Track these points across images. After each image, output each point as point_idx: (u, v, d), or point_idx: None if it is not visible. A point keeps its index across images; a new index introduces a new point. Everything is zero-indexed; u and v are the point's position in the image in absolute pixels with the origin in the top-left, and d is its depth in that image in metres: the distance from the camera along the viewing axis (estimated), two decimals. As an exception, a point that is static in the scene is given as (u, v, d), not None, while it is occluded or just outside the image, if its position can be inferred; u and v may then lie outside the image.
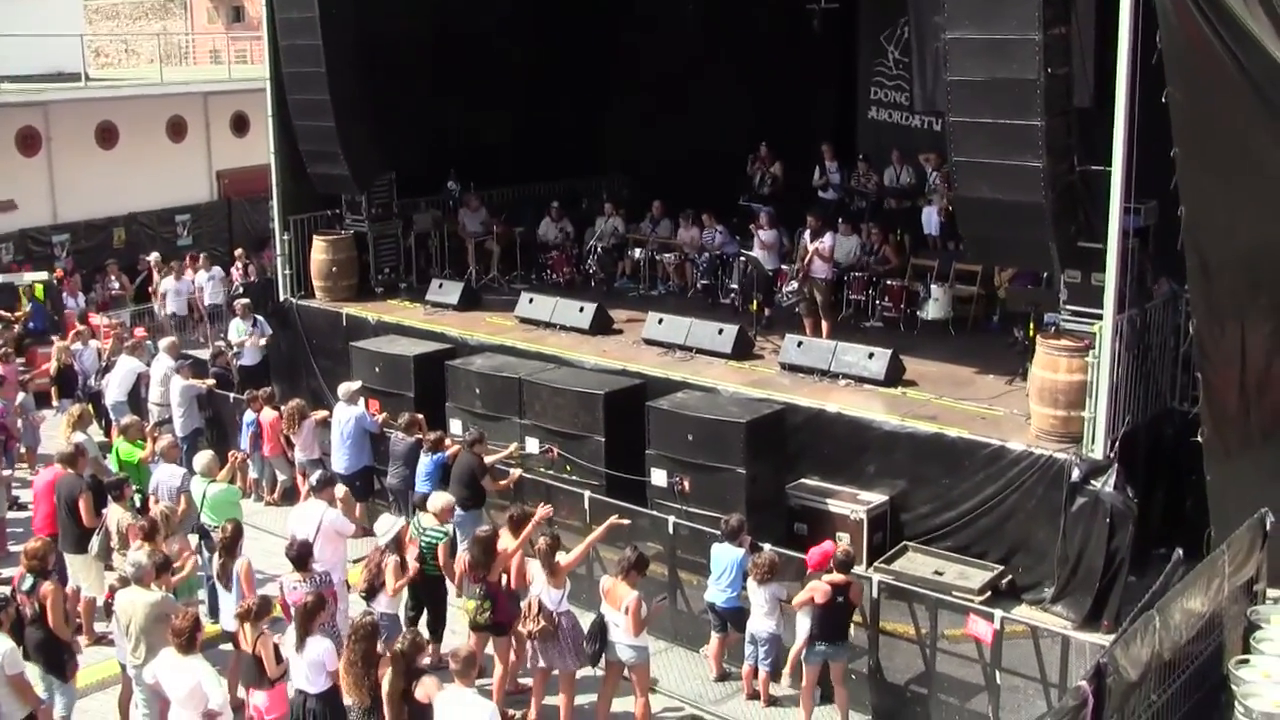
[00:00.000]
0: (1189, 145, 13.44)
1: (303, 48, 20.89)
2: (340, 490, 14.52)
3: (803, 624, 12.54)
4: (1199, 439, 14.12)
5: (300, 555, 12.41)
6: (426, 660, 10.95)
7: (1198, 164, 13.55)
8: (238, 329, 21.77)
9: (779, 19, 24.26)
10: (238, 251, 30.02)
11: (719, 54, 25.10)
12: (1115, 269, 14.06)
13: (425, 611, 13.68)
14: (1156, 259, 15.17)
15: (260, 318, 22.01)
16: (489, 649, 12.87)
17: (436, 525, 13.47)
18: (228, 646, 12.91)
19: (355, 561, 14.46)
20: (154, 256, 29.57)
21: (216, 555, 12.81)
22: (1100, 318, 14.33)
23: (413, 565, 13.04)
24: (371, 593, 12.74)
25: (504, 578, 12.87)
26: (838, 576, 12.39)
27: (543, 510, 13.64)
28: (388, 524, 13.17)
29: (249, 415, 18.35)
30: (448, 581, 13.62)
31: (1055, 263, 14.83)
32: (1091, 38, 15.86)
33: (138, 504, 15.00)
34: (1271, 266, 14.05)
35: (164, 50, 40.60)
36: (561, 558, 12.57)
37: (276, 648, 11.08)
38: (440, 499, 13.85)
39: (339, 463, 16.96)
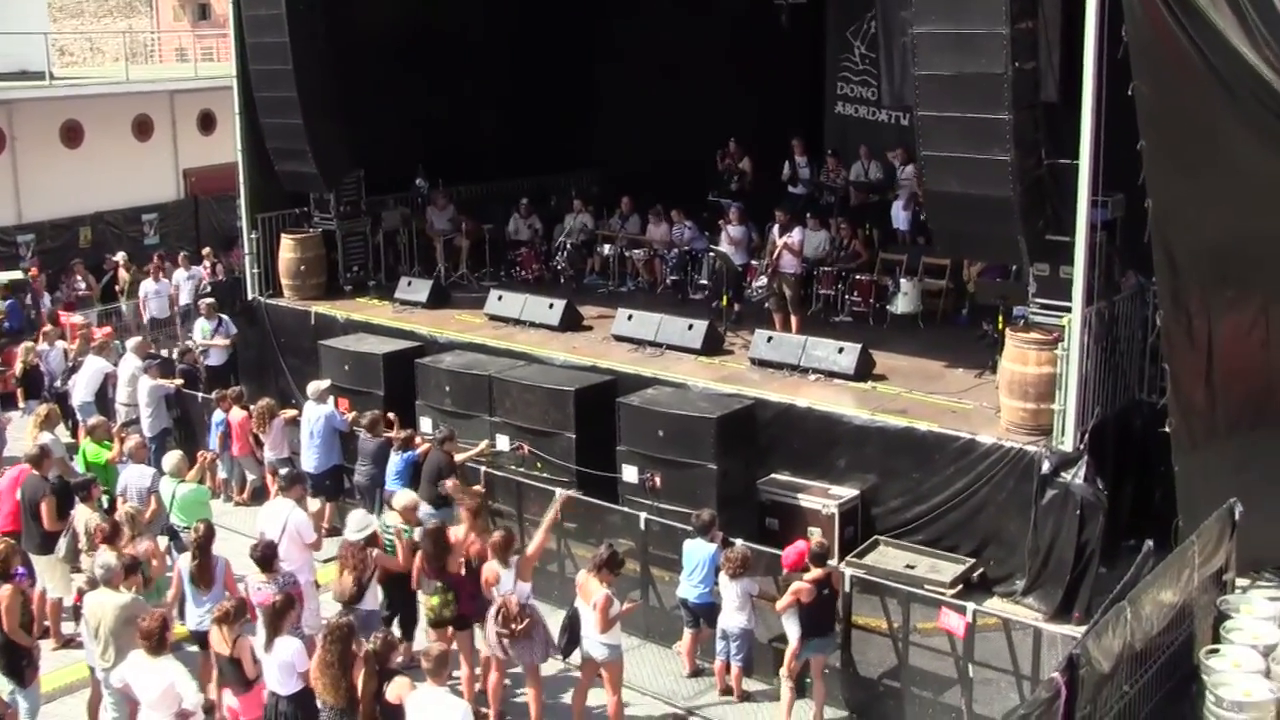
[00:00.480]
0: (1155, 138, 13.48)
1: (270, 45, 20.81)
2: (314, 504, 14.43)
3: (791, 627, 12.49)
4: (1167, 430, 14.19)
5: (265, 556, 12.32)
6: (399, 660, 10.90)
7: (1164, 157, 13.61)
8: (202, 329, 21.68)
9: (747, 14, 24.24)
10: (205, 250, 29.88)
11: (687, 49, 25.07)
12: (1083, 262, 14.10)
13: (398, 610, 13.60)
14: (1124, 252, 15.23)
15: (225, 317, 21.90)
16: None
17: (399, 522, 13.43)
18: (193, 648, 12.85)
19: (325, 561, 14.42)
20: (120, 256, 29.42)
21: (191, 556, 12.71)
22: (1069, 311, 14.37)
23: (400, 560, 13.14)
24: (361, 592, 12.60)
25: (463, 568, 12.83)
26: (818, 572, 12.39)
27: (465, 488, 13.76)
28: (361, 520, 13.09)
29: (218, 415, 18.25)
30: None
31: (1024, 256, 14.89)
32: (1058, 32, 15.93)
33: (106, 505, 14.91)
34: (1238, 258, 14.13)
35: (130, 48, 40.40)
36: (525, 550, 12.58)
37: (252, 649, 11.02)
38: (405, 497, 13.82)
39: (309, 462, 16.89)
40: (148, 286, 26.15)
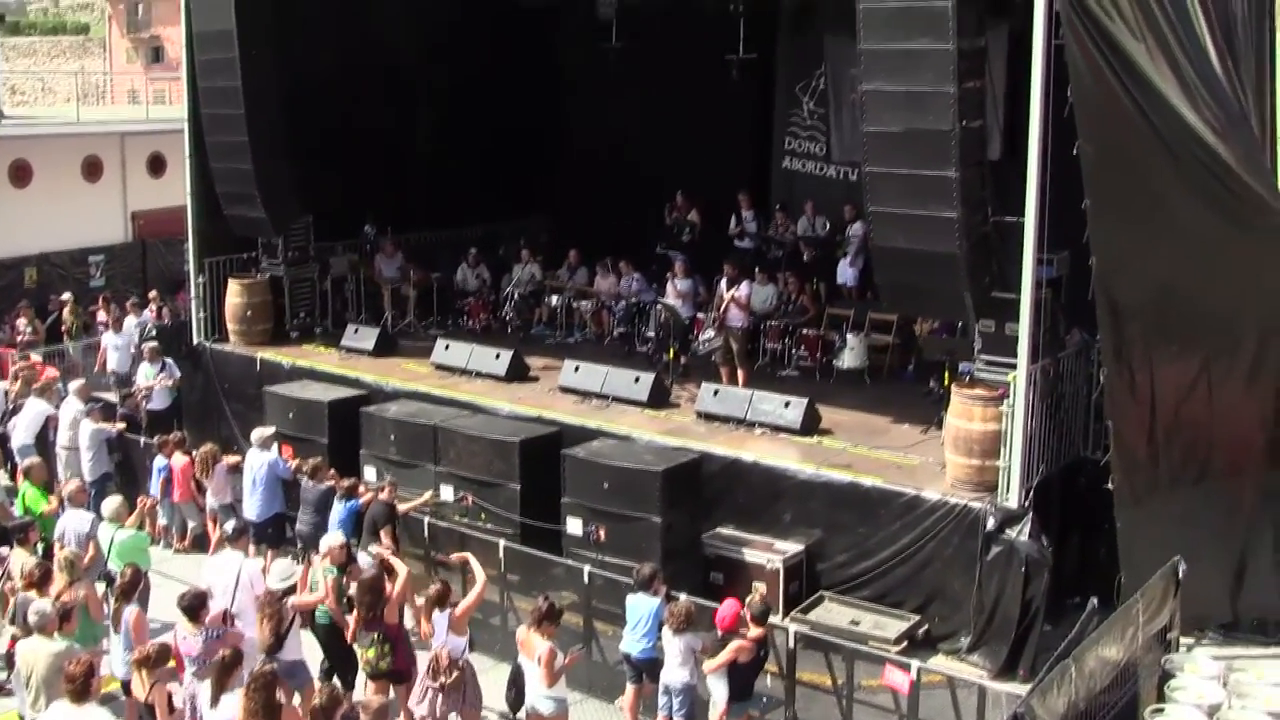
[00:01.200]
0: (1100, 196, 13.63)
1: (222, 89, 20.74)
2: (258, 563, 14.26)
3: (719, 688, 12.37)
4: (1110, 487, 14.25)
5: (192, 606, 12.08)
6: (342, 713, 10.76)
7: (1108, 215, 13.75)
8: (146, 372, 21.47)
9: (697, 68, 24.36)
10: (151, 294, 29.64)
11: (637, 101, 25.17)
12: (1029, 319, 14.20)
13: (335, 663, 13.46)
14: (1069, 309, 15.35)
15: (169, 360, 21.71)
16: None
17: (329, 564, 13.39)
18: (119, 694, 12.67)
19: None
20: (66, 296, 29.17)
21: (113, 600, 12.55)
22: (1014, 367, 14.45)
23: (316, 597, 13.00)
24: (280, 642, 12.46)
25: (401, 618, 12.76)
26: (758, 631, 12.33)
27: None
28: (285, 570, 12.96)
29: (160, 460, 18.07)
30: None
31: (970, 313, 14.94)
32: (1004, 92, 16.10)
33: (42, 550, 14.71)
34: (1179, 315, 14.27)
35: (81, 89, 40.22)
36: (459, 606, 12.51)
37: (170, 696, 10.84)
38: (332, 539, 13.78)
39: (251, 509, 16.73)
40: (109, 339, 24.92)
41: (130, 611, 12.46)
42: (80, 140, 33.80)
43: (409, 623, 13.26)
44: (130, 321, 26.00)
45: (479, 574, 13.25)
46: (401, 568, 13.36)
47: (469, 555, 13.94)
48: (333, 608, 13.19)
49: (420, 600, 12.86)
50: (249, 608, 12.97)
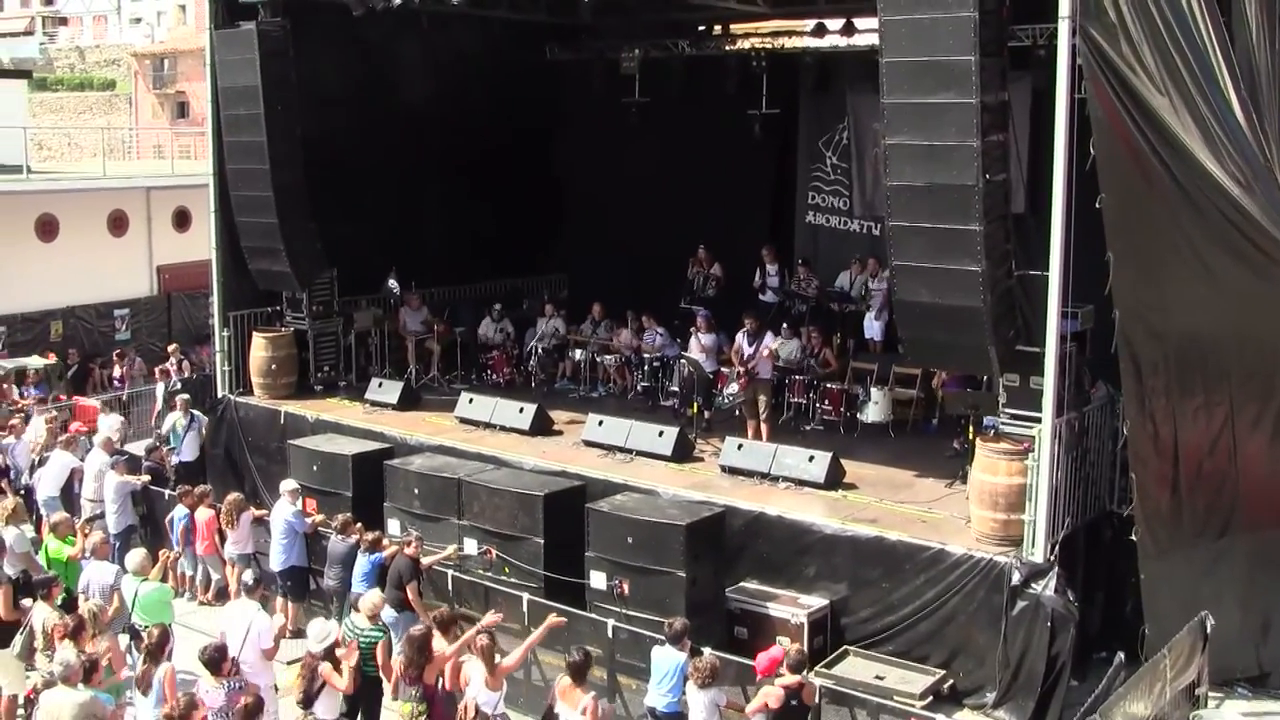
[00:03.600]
0: (1122, 249, 13.64)
1: (247, 144, 20.93)
2: (267, 618, 14.24)
3: None
4: (1135, 540, 14.19)
5: (213, 659, 12.12)
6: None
7: (1130, 268, 13.76)
8: (176, 424, 21.53)
9: (720, 123, 24.47)
10: (171, 347, 29.80)
11: (660, 156, 25.23)
12: (1053, 373, 14.17)
13: (360, 715, 13.42)
14: (1093, 362, 15.34)
15: (197, 413, 21.80)
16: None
17: (370, 625, 13.32)
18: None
19: (290, 664, 14.24)
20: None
21: (141, 660, 12.53)
22: (1039, 421, 14.41)
23: (350, 669, 12.85)
24: (309, 701, 12.47)
25: (440, 680, 12.70)
26: (791, 679, 12.31)
27: (491, 617, 13.56)
28: (322, 630, 12.94)
29: (180, 510, 18.06)
30: (384, 684, 13.41)
31: (994, 366, 14.93)
32: (1027, 146, 16.09)
33: (63, 601, 14.73)
34: (1203, 367, 14.25)
35: (107, 144, 40.51)
36: (500, 660, 12.46)
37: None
38: (370, 598, 13.71)
39: (275, 561, 16.77)
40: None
41: (163, 669, 12.44)
42: (106, 195, 34.08)
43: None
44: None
45: (533, 635, 13.35)
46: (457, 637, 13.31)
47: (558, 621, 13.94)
48: (381, 665, 13.19)
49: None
50: (254, 659, 13.00)
